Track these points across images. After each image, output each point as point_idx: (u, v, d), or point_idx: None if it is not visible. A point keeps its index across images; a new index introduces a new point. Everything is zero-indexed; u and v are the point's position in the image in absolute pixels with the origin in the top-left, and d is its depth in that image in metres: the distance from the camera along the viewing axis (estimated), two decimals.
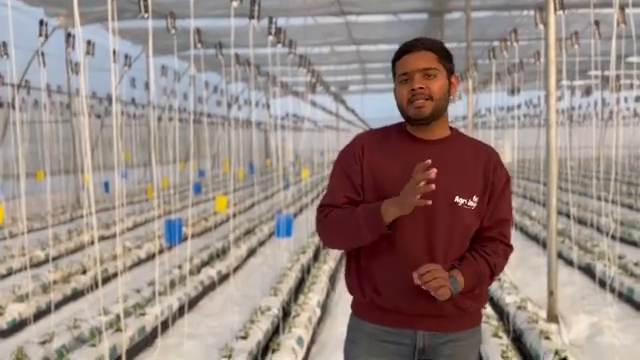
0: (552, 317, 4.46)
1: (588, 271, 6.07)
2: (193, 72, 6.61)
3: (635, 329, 4.60)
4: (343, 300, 5.35)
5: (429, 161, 1.57)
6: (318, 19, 11.89)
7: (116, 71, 3.64)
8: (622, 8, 4.24)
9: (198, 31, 4.79)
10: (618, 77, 7.45)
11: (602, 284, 5.49)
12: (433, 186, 1.56)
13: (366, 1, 10.45)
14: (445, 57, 1.74)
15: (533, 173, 17.75)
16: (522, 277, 5.97)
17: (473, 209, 1.73)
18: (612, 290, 5.23)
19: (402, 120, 1.82)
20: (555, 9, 4.09)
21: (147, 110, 13.92)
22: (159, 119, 14.32)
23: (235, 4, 3.60)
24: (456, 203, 1.71)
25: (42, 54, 5.23)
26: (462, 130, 1.92)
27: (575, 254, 6.19)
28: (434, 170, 1.55)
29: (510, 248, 1.80)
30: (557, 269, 4.54)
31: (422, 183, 1.56)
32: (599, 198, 8.49)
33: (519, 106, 13.27)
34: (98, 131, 14.46)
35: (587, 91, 12.54)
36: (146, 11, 3.29)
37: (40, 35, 4.39)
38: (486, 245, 1.75)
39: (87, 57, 4.99)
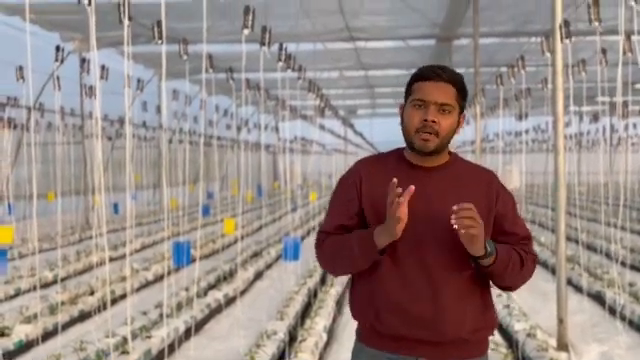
0: (562, 345, 4.40)
1: (598, 298, 6.00)
2: (204, 96, 6.71)
3: None
4: (350, 325, 5.31)
5: (412, 187, 1.61)
6: (327, 45, 12.05)
7: (129, 95, 3.72)
8: (628, 37, 4.28)
9: (210, 56, 4.89)
10: (626, 103, 7.48)
11: (612, 312, 5.42)
12: (403, 202, 1.60)
13: (375, 27, 10.61)
14: (463, 95, 1.74)
15: (542, 198, 17.65)
16: (531, 304, 5.91)
17: None
18: (623, 318, 5.16)
19: (400, 145, 1.82)
20: (562, 38, 4.14)
21: (158, 133, 14.07)
22: (169, 141, 14.46)
23: (246, 32, 3.68)
24: (454, 229, 1.69)
25: (57, 78, 5.35)
26: (470, 155, 1.93)
27: (585, 281, 6.13)
28: (410, 188, 1.60)
29: (536, 256, 1.81)
30: (567, 296, 4.50)
31: (396, 201, 1.59)
32: (608, 224, 8.45)
33: (527, 131, 13.27)
34: (109, 153, 14.62)
35: (595, 117, 12.55)
36: (160, 38, 3.38)
37: (56, 60, 4.50)
38: (516, 246, 1.77)
39: (101, 81, 5.09)
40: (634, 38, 4.36)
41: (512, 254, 1.73)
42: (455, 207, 1.61)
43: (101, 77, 5.19)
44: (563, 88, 4.40)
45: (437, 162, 1.76)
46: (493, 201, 1.75)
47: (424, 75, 1.73)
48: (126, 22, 3.16)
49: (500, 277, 1.74)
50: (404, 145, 1.82)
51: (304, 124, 13.90)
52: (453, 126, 1.73)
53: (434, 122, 1.69)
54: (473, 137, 10.33)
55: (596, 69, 5.30)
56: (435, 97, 1.69)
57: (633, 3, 3.57)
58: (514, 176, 10.24)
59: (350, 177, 1.80)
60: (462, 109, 1.76)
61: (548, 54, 4.83)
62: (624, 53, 4.16)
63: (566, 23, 4.24)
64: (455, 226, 1.60)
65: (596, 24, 3.81)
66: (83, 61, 5.11)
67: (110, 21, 3.50)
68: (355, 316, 1.83)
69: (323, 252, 1.80)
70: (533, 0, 8.62)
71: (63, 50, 4.66)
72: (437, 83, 1.71)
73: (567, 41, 4.19)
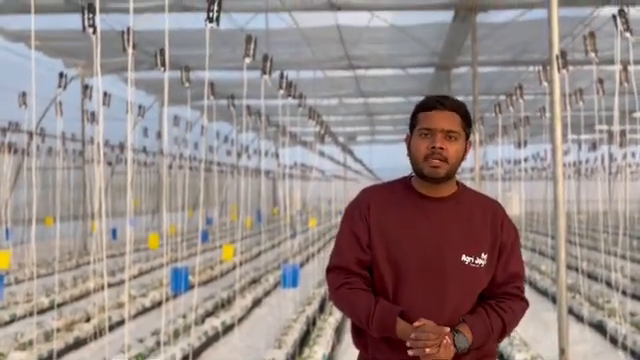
0: None
1: (600, 328, 5.94)
2: (205, 122, 6.77)
3: None
4: (349, 354, 5.24)
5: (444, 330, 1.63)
6: (328, 72, 12.19)
7: (131, 121, 3.75)
8: (625, 67, 4.34)
9: (211, 83, 4.94)
10: (624, 132, 7.57)
11: (614, 342, 5.36)
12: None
13: (374, 56, 10.74)
14: (467, 122, 1.77)
15: (542, 226, 17.60)
16: (533, 333, 5.84)
17: (482, 266, 1.73)
18: (624, 348, 5.10)
19: (407, 173, 1.82)
20: (559, 69, 4.19)
21: (158, 158, 14.12)
22: (169, 167, 14.50)
23: (248, 60, 3.73)
24: (463, 262, 1.71)
25: (59, 104, 5.39)
26: (469, 183, 1.94)
27: (586, 310, 6.08)
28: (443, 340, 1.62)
29: (527, 304, 1.80)
30: (568, 326, 4.45)
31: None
32: (608, 253, 8.41)
33: (526, 159, 13.32)
34: (108, 178, 14.63)
35: (593, 146, 12.62)
36: (163, 65, 3.42)
37: (59, 86, 4.55)
38: (503, 301, 1.75)
39: (103, 107, 5.13)
40: (630, 68, 4.42)
41: (492, 328, 1.71)
42: (417, 323, 1.62)
43: (103, 103, 5.22)
44: (561, 117, 4.43)
45: (445, 192, 1.77)
46: (498, 233, 1.76)
47: (428, 105, 1.75)
48: (130, 50, 3.21)
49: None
50: (404, 173, 1.83)
51: (304, 150, 13.96)
52: (460, 152, 1.75)
53: (442, 149, 1.71)
54: (472, 164, 10.37)
55: (594, 97, 5.35)
56: (441, 124, 1.72)
57: (628, 35, 3.63)
58: (513, 203, 10.24)
59: (359, 208, 1.78)
60: (468, 136, 1.78)
61: (545, 83, 4.88)
62: (620, 83, 4.21)
63: (563, 54, 4.30)
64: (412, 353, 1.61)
65: (592, 55, 3.87)
66: (85, 87, 5.17)
67: (113, 48, 3.55)
68: (357, 345, 1.81)
69: (339, 299, 1.77)
70: (531, 30, 8.76)
71: (66, 76, 4.72)
72: (442, 112, 1.73)
73: (564, 71, 4.24)
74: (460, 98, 2.05)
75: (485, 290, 1.77)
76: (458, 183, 1.82)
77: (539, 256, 11.68)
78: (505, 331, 1.75)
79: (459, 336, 1.65)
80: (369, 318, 1.68)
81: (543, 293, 8.08)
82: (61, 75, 4.68)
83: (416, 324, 1.64)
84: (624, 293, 6.55)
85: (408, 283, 1.70)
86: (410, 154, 1.76)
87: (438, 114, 1.73)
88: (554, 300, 6.17)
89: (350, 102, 16.05)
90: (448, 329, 1.64)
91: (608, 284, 7.59)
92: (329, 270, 1.80)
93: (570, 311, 6.18)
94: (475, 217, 1.76)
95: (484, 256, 1.73)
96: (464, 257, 1.71)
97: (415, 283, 1.70)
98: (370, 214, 1.76)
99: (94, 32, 3.03)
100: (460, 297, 1.71)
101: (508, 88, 10.62)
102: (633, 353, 5.16)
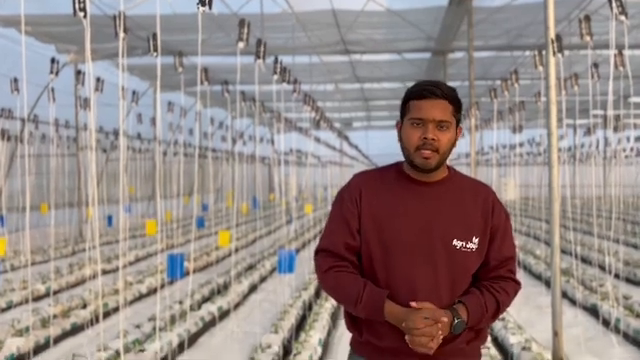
0: (557, 358, 4.38)
1: (593, 311, 5.99)
2: (199, 108, 6.73)
3: None
4: (345, 338, 5.28)
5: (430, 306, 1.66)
6: (323, 57, 12.12)
7: (124, 107, 3.72)
8: (620, 51, 4.32)
9: (205, 69, 4.90)
10: (619, 117, 7.59)
11: (607, 325, 5.42)
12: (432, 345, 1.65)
13: (370, 40, 10.67)
14: (458, 109, 1.76)
15: (536, 211, 17.68)
16: (527, 317, 5.89)
17: (474, 250, 1.75)
18: (617, 331, 5.16)
19: (402, 159, 1.82)
20: (554, 52, 4.17)
21: (153, 145, 14.07)
22: (164, 154, 14.46)
23: (241, 45, 3.70)
24: (454, 246, 1.72)
25: (52, 90, 5.35)
26: (464, 168, 1.95)
27: (580, 294, 6.12)
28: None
29: (519, 285, 1.83)
30: (562, 309, 4.49)
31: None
32: (602, 237, 8.45)
33: (521, 144, 13.34)
34: (103, 165, 14.58)
35: (588, 130, 12.65)
36: (155, 50, 3.39)
37: (51, 72, 4.50)
38: (497, 282, 1.77)
39: (96, 93, 5.09)
40: (626, 52, 4.40)
41: (487, 307, 1.73)
42: (414, 305, 1.64)
43: (96, 89, 5.18)
44: (557, 101, 4.42)
45: (436, 177, 1.78)
46: (489, 214, 1.78)
47: (419, 93, 1.73)
48: (121, 35, 3.17)
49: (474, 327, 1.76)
50: (400, 158, 1.83)
51: (299, 136, 13.93)
52: (452, 141, 1.75)
53: (434, 139, 1.71)
54: (468, 150, 10.37)
55: (589, 82, 5.35)
56: (433, 115, 1.71)
57: (623, 18, 3.61)
58: (509, 189, 10.27)
59: (350, 192, 1.79)
60: (458, 122, 1.78)
61: (541, 68, 4.86)
62: (616, 67, 4.20)
63: (558, 38, 4.27)
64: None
65: (587, 39, 3.85)
66: (78, 73, 5.12)
67: (107, 33, 3.51)
68: (350, 329, 1.83)
69: (326, 283, 1.78)
70: (526, 14, 8.71)
71: (58, 62, 4.67)
72: (433, 101, 1.72)
73: (559, 55, 4.23)
74: (456, 83, 2.05)
75: (478, 273, 1.79)
76: (449, 168, 1.83)
77: (534, 240, 11.74)
78: (498, 311, 1.77)
79: (458, 322, 1.67)
80: (357, 300, 1.69)
81: (537, 277, 8.14)
82: (53, 61, 4.63)
83: (413, 304, 1.65)
84: (617, 277, 6.60)
85: (399, 266, 1.71)
86: (401, 142, 1.76)
87: (430, 103, 1.71)
88: (548, 284, 6.22)
89: (346, 87, 16.00)
90: (446, 319, 1.65)
91: (602, 268, 7.65)
92: (317, 252, 1.82)
93: (564, 295, 6.24)
94: (466, 201, 1.77)
95: (475, 240, 1.74)
96: (455, 242, 1.72)
97: (406, 266, 1.71)
98: (361, 198, 1.77)
99: (85, 16, 2.99)
100: (451, 280, 1.72)
101: (504, 73, 10.61)
102: (626, 336, 5.21)
